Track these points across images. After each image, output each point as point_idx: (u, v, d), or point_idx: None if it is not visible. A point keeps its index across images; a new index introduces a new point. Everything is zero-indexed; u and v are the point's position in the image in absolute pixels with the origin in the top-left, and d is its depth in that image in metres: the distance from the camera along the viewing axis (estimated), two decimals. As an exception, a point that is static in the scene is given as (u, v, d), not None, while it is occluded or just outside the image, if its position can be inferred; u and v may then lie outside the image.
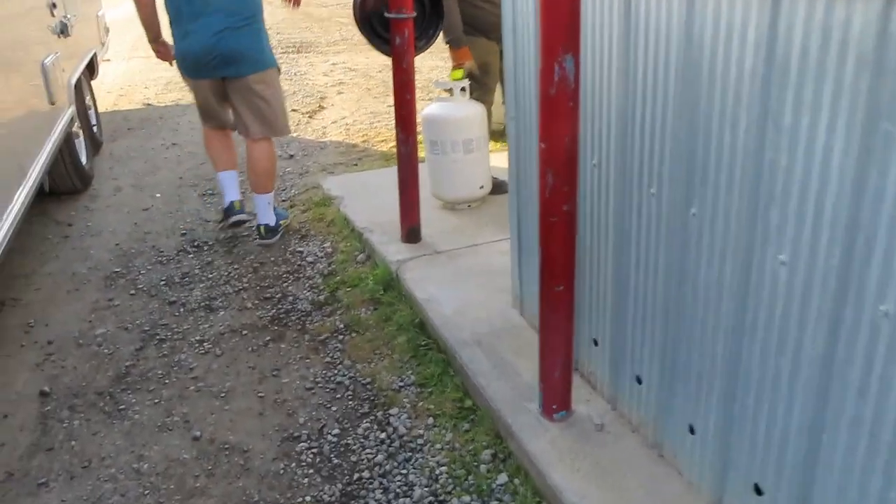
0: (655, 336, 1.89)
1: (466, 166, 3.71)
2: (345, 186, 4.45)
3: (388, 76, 8.80)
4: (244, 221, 3.90)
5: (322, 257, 3.66)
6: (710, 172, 1.54)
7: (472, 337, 2.63)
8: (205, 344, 2.98)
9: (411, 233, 3.41)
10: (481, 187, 3.80)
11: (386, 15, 3.02)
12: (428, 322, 2.82)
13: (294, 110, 6.84)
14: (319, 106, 6.92)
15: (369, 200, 4.13)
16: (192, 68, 3.56)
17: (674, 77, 1.60)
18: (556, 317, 1.99)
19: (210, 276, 3.56)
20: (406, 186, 3.30)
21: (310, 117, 6.59)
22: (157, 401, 2.64)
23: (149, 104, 7.38)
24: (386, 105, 6.75)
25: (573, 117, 1.73)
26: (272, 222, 3.82)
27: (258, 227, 3.81)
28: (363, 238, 3.64)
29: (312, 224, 4.04)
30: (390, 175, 4.60)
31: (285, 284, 3.43)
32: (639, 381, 2.02)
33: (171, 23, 3.53)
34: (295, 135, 5.97)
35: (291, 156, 5.40)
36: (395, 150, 5.51)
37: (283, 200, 4.49)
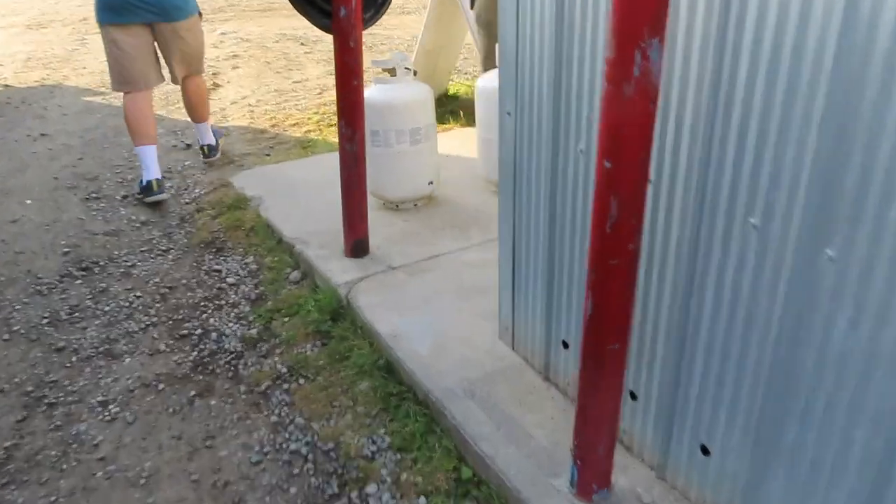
0: (740, 402, 1.46)
1: (414, 159, 3.17)
2: (261, 183, 3.81)
3: (288, 46, 8.01)
4: (165, 200, 3.81)
5: (246, 277, 3.04)
6: (870, 203, 1.11)
7: (460, 385, 2.13)
8: (110, 406, 2.33)
9: (358, 246, 2.85)
10: (430, 183, 3.28)
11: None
12: (398, 365, 2.29)
13: (184, 89, 6.01)
14: (214, 84, 6.12)
15: (294, 201, 3.52)
16: (121, 10, 3.58)
17: (810, 69, 1.14)
18: (605, 381, 1.52)
19: (107, 308, 2.87)
20: (352, 192, 2.73)
21: (204, 98, 5.78)
22: (53, 498, 2.00)
23: (7, 85, 6.31)
24: (291, 81, 6.05)
25: (652, 126, 1.25)
26: (213, 142, 4.27)
27: (201, 147, 4.29)
28: (295, 251, 3.04)
29: (228, 233, 3.39)
30: (313, 168, 4.00)
31: (205, 315, 2.79)
32: (705, 451, 1.59)
33: None
34: (188, 120, 5.19)
35: (189, 145, 4.66)
36: (310, 135, 4.89)
37: (188, 203, 3.79)
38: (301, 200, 3.51)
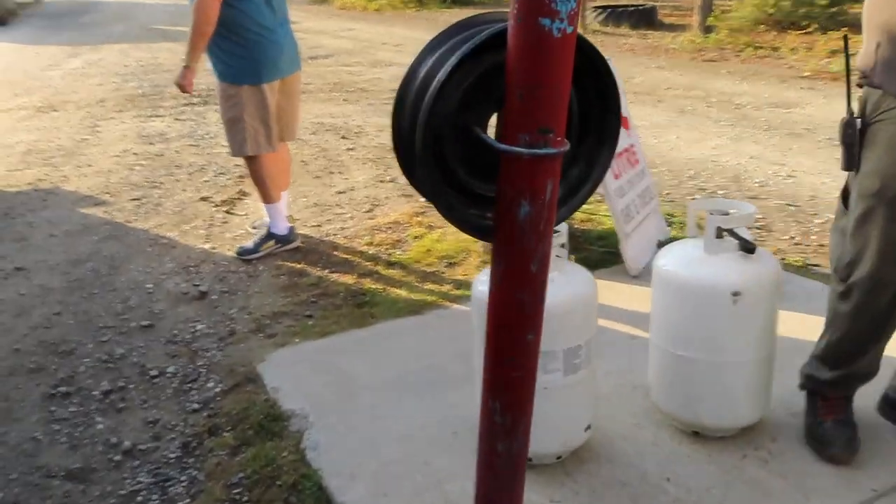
0: None
1: (567, 396, 1.91)
2: (303, 380, 2.57)
3: (327, 140, 6.72)
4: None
5: None
6: None
7: None
8: None
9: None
10: (587, 428, 2.01)
11: (493, 144, 1.14)
12: None
13: (204, 199, 4.88)
14: (240, 192, 4.97)
15: (358, 425, 2.27)
16: (278, 67, 3.47)
17: None
18: None
19: None
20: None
21: (227, 212, 4.62)
22: None
23: (-9, 190, 5.23)
24: (334, 191, 4.89)
25: None
26: (284, 232, 3.85)
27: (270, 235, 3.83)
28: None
29: (256, 495, 2.12)
30: (377, 350, 2.73)
31: None
32: None
33: (246, 23, 3.30)
34: (206, 247, 4.02)
35: (203, 294, 3.45)
36: (365, 283, 3.36)
37: (196, 409, 2.54)
38: (368, 425, 2.26)
